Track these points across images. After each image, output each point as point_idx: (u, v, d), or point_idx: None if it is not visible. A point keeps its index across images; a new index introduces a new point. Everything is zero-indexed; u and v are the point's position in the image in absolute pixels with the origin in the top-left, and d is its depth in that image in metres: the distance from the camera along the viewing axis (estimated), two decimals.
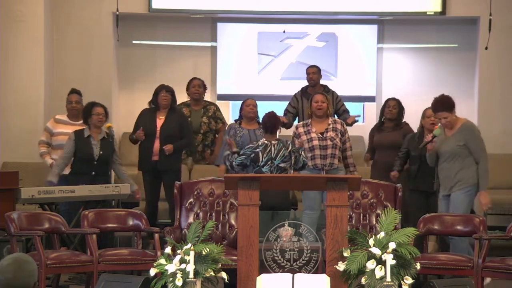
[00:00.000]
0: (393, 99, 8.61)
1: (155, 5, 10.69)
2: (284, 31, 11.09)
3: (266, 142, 7.42)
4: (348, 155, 7.83)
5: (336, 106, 8.97)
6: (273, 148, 7.38)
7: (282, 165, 7.38)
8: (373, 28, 11.27)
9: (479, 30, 10.56)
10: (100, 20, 10.59)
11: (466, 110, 9.79)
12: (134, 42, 11.22)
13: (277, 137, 7.65)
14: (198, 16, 11.05)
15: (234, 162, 7.45)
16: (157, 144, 8.34)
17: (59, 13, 10.53)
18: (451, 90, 11.11)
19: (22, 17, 10.00)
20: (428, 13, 10.72)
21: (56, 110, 9.82)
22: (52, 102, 10.30)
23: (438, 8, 10.64)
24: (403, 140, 8.21)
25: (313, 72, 9.14)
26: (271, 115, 7.62)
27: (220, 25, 11.32)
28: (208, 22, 11.29)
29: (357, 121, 8.85)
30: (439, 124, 7.47)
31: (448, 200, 7.35)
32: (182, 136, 8.43)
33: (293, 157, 7.44)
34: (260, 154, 7.37)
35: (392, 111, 8.49)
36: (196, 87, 9.21)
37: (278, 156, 7.38)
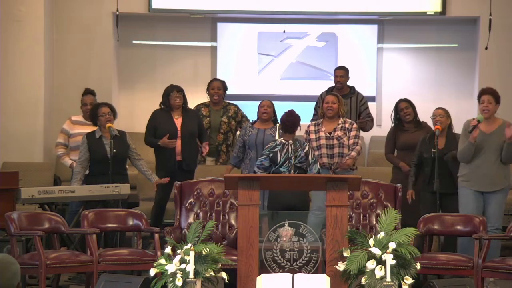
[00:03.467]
0: (403, 100, 8.54)
1: (155, 5, 10.69)
2: (284, 31, 11.09)
3: (283, 141, 7.38)
4: (352, 148, 7.77)
5: (360, 109, 8.94)
6: (290, 148, 7.34)
7: (299, 165, 7.35)
8: (373, 28, 11.28)
9: (479, 30, 10.57)
10: (100, 20, 10.59)
11: (466, 110, 9.80)
12: (134, 42, 11.23)
13: (295, 136, 7.57)
14: (198, 16, 11.06)
15: (256, 167, 7.40)
16: (179, 144, 8.29)
17: (59, 13, 10.54)
18: (451, 90, 11.21)
19: (22, 17, 10.00)
20: (428, 13, 10.72)
21: (56, 110, 9.85)
22: (52, 102, 10.31)
23: (438, 8, 10.65)
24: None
25: (341, 75, 9.05)
26: (289, 114, 7.55)
27: (220, 25, 11.33)
28: (208, 22, 11.30)
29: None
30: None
31: (481, 197, 7.35)
32: (200, 133, 8.44)
33: (311, 161, 7.37)
34: (279, 154, 7.32)
35: (406, 112, 8.44)
36: (216, 89, 9.13)
37: (295, 156, 7.34)
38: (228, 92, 10.26)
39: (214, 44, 11.35)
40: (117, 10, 10.28)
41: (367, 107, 9.07)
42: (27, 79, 10.02)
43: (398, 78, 11.31)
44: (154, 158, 8.49)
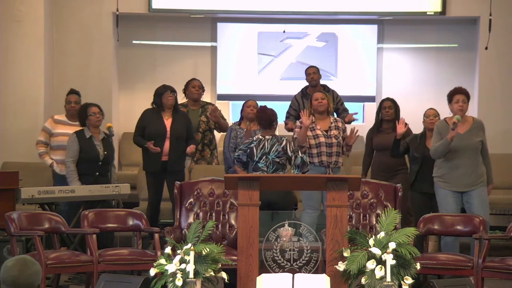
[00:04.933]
0: (388, 99, 8.57)
1: (155, 5, 10.69)
2: (284, 31, 11.09)
3: (260, 137, 7.47)
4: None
5: (336, 106, 8.99)
6: (266, 143, 7.41)
7: (277, 160, 7.41)
8: (373, 28, 11.28)
9: (479, 30, 10.56)
10: (100, 20, 10.59)
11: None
12: (134, 42, 11.23)
13: (275, 132, 7.64)
14: (198, 16, 11.06)
15: (235, 160, 7.52)
16: (167, 145, 8.29)
17: (59, 13, 10.53)
18: None
19: (22, 17, 9.99)
20: (428, 13, 10.72)
21: (56, 110, 9.81)
22: (52, 102, 10.30)
23: (438, 8, 10.65)
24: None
25: (314, 72, 9.11)
26: (261, 110, 7.65)
27: (220, 25, 11.32)
28: (208, 22, 11.30)
29: (356, 119, 8.87)
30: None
31: (460, 197, 7.36)
32: (189, 136, 8.42)
33: (292, 157, 7.46)
34: (255, 150, 7.41)
35: (389, 112, 8.45)
36: (197, 87, 9.13)
37: (272, 151, 7.41)
38: (228, 92, 10.30)
39: (214, 44, 11.34)
40: (117, 10, 10.28)
41: (343, 103, 9.15)
42: (27, 79, 10.02)
43: (398, 78, 11.31)
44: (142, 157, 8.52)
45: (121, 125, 10.72)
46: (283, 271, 5.61)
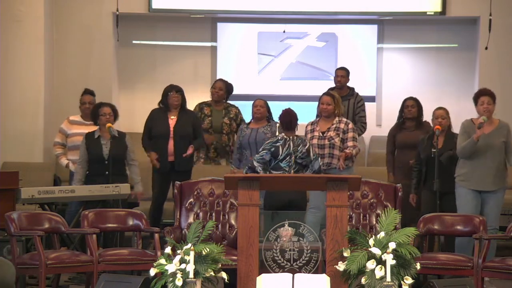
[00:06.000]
0: (411, 98, 8.56)
1: (155, 5, 10.70)
2: (284, 31, 11.10)
3: (285, 137, 7.42)
4: (348, 146, 7.74)
5: (355, 111, 8.96)
6: (291, 143, 7.38)
7: (299, 161, 7.38)
8: (373, 28, 11.29)
9: (479, 30, 10.57)
10: (100, 20, 10.60)
11: (466, 110, 9.79)
12: (134, 42, 11.23)
13: (296, 133, 7.62)
14: (198, 16, 11.07)
15: (254, 161, 7.42)
16: (171, 145, 8.28)
17: (59, 13, 10.54)
18: (451, 90, 11.22)
19: (22, 17, 10.01)
20: (428, 13, 10.73)
21: (56, 110, 9.84)
22: (52, 102, 10.31)
23: (438, 8, 10.66)
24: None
25: (342, 76, 9.10)
26: (285, 112, 7.62)
27: (220, 25, 11.33)
28: (208, 22, 11.30)
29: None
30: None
31: (479, 197, 7.39)
32: (195, 136, 8.42)
33: (313, 159, 7.40)
34: (280, 148, 7.36)
35: (411, 110, 8.46)
36: (217, 89, 9.16)
37: (297, 152, 7.38)
38: None
39: (214, 44, 11.35)
40: (117, 10, 10.29)
41: (362, 110, 8.99)
42: (27, 79, 10.03)
43: (398, 78, 11.31)
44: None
45: (121, 125, 10.68)
46: (283, 271, 5.61)
